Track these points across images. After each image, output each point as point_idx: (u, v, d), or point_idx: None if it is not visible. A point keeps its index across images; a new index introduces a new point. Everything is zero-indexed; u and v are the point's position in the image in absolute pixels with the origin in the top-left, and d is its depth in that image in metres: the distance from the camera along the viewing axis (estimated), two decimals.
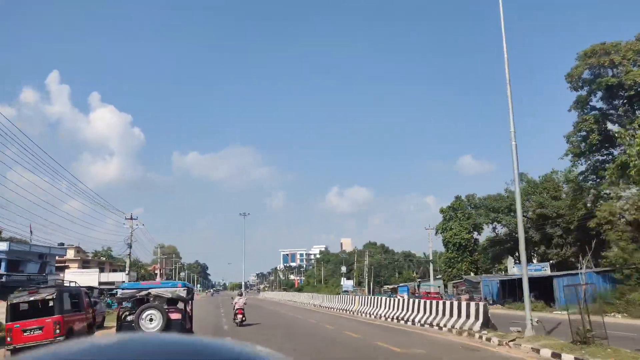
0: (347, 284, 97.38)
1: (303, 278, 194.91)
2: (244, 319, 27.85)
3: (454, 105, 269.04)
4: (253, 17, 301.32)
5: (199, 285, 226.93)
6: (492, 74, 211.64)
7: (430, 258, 69.14)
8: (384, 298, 37.23)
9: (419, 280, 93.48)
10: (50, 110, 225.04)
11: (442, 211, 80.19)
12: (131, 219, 59.20)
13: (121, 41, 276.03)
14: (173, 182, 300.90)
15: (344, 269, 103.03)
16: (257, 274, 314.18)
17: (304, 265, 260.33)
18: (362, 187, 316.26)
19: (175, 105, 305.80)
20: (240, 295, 31.20)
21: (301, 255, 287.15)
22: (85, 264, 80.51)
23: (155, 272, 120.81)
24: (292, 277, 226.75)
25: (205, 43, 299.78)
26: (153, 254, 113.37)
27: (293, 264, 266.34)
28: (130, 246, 56.69)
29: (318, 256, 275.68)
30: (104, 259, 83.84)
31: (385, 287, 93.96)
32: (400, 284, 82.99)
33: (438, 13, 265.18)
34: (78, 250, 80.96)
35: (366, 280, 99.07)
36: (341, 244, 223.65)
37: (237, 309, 28.27)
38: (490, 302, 50.15)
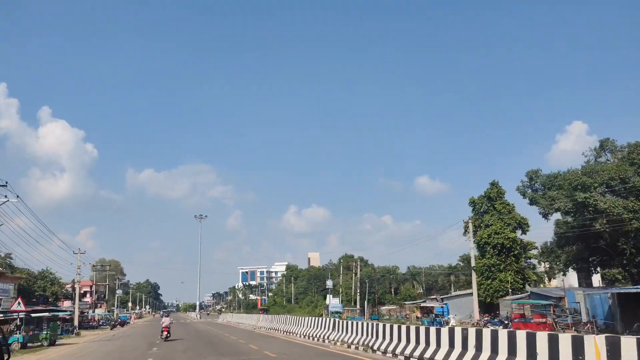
0: (333, 302, 74.15)
1: (267, 297, 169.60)
2: (169, 335, 33.14)
3: (411, 125, 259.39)
4: (211, 27, 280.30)
5: (148, 306, 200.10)
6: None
7: (472, 264, 46.99)
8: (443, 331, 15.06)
9: (431, 297, 70.90)
10: None
11: (473, 202, 58.26)
12: None
13: (74, 54, 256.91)
14: (126, 200, 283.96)
15: (330, 283, 79.20)
16: (214, 294, 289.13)
17: (265, 284, 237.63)
18: (319, 207, 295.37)
19: (130, 120, 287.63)
20: (167, 315, 37.31)
21: (262, 273, 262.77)
22: None
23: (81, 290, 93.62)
24: (252, 296, 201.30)
25: (161, 57, 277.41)
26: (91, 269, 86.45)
27: (253, 282, 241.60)
28: None
29: (283, 272, 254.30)
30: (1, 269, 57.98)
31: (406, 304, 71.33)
32: (419, 302, 60.29)
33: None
34: None
35: (357, 298, 76.22)
36: (309, 259, 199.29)
37: (164, 327, 33.61)
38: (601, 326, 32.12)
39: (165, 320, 34.06)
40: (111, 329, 58.33)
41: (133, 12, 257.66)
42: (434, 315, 41.29)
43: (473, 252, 47.91)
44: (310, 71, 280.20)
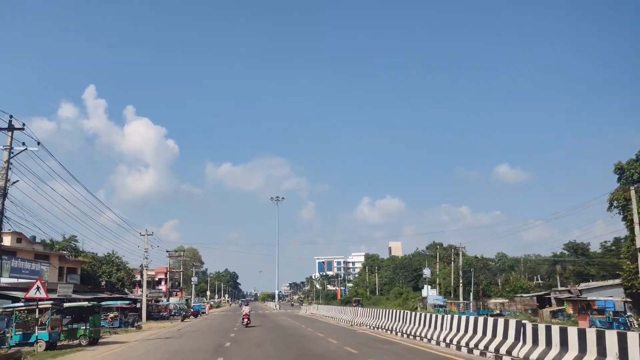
0: (432, 294, 63.10)
1: (347, 287, 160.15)
2: (249, 322, 36.40)
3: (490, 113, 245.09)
4: (286, 26, 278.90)
5: (226, 295, 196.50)
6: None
7: (639, 245, 34.84)
8: None
9: (559, 289, 58.22)
10: (87, 124, 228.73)
11: (620, 168, 45.26)
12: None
13: (156, 55, 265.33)
14: (206, 194, 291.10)
15: (427, 272, 68.06)
16: (290, 284, 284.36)
17: (342, 274, 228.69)
18: (394, 198, 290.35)
19: (208, 116, 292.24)
20: (247, 304, 42.33)
21: (338, 263, 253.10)
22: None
23: (155, 277, 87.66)
24: (330, 287, 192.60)
25: (238, 55, 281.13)
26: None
27: (330, 273, 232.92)
28: None
29: (362, 262, 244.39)
30: (65, 252, 51.61)
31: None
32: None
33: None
34: (19, 237, 48.80)
35: (460, 289, 64.64)
36: (389, 248, 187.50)
37: (244, 314, 37.14)
38: None
39: (245, 309, 37.93)
40: (182, 320, 50.48)
41: (211, 19, 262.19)
42: (610, 314, 29.38)
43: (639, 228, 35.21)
44: (386, 55, 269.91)
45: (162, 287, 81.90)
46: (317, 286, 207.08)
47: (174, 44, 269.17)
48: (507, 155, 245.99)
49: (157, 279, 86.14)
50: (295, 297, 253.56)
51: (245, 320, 35.77)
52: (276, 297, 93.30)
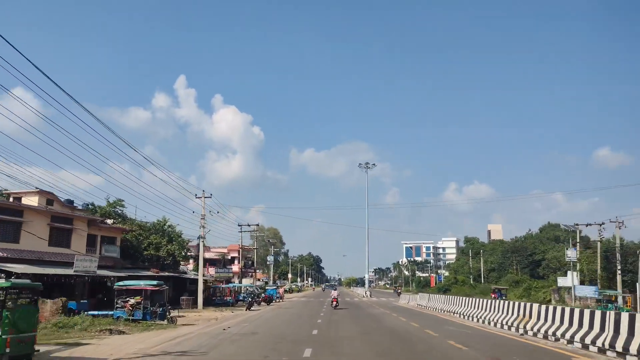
0: (579, 285, 46.03)
1: (442, 274, 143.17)
2: (337, 304, 38.48)
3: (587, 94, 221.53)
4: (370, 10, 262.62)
5: (310, 279, 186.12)
6: None
7: None
8: None
9: None
10: (179, 112, 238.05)
11: None
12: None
13: (241, 44, 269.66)
14: (290, 179, 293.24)
15: (571, 254, 50.43)
16: (375, 269, 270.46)
17: (432, 260, 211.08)
18: (482, 184, 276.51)
19: (292, 103, 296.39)
20: (335, 289, 46.20)
21: (427, 248, 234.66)
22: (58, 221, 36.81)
23: (228, 256, 75.93)
24: (420, 273, 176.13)
25: (319, 41, 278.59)
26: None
27: (418, 258, 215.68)
28: None
29: (453, 247, 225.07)
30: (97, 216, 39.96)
31: None
32: None
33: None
34: (50, 199, 37.84)
35: (618, 278, 47.04)
36: (489, 232, 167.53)
37: (333, 298, 39.99)
38: None
39: (334, 293, 41.84)
40: (247, 309, 37.43)
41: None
42: None
43: None
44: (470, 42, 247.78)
45: (235, 266, 70.07)
46: (406, 272, 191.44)
47: (261, 31, 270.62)
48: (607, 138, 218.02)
49: (229, 257, 74.63)
50: (381, 282, 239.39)
51: (334, 303, 38.59)
52: (366, 282, 78.74)
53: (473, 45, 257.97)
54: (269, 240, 76.49)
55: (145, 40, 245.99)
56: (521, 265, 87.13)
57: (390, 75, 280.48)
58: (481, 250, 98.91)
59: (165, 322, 24.53)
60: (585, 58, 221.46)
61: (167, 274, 39.95)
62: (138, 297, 24.63)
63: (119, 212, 43.75)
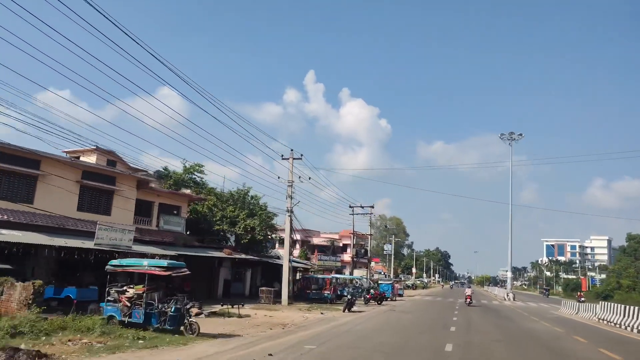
0: None
1: (593, 276, 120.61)
2: (471, 301, 37.82)
3: None
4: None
5: (437, 275, 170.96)
6: None
7: None
8: None
9: None
10: (308, 107, 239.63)
11: None
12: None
13: (367, 39, 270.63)
14: (418, 173, 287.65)
15: None
16: (511, 268, 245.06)
17: (578, 261, 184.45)
18: (634, 179, 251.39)
19: (419, 96, 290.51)
20: (469, 287, 50.34)
21: (572, 247, 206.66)
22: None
23: (339, 243, 65.38)
24: (565, 275, 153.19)
25: (444, 39, 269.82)
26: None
27: (561, 258, 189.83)
28: None
29: (604, 247, 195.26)
30: (168, 183, 31.54)
31: None
32: None
33: None
34: (112, 159, 30.29)
35: None
36: None
37: (467, 295, 38.74)
38: None
39: (468, 290, 40.76)
40: (345, 310, 26.50)
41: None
42: None
43: None
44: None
45: (347, 255, 59.61)
46: (547, 273, 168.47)
47: (389, 25, 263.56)
48: None
49: (340, 244, 64.25)
50: (517, 282, 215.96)
51: (468, 300, 37.77)
52: (509, 281, 63.18)
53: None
54: (386, 226, 64.14)
55: (276, 39, 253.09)
56: None
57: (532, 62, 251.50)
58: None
59: (182, 329, 14.30)
60: None
61: (243, 256, 30.32)
62: (140, 287, 14.65)
63: (198, 179, 35.11)
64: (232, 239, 33.36)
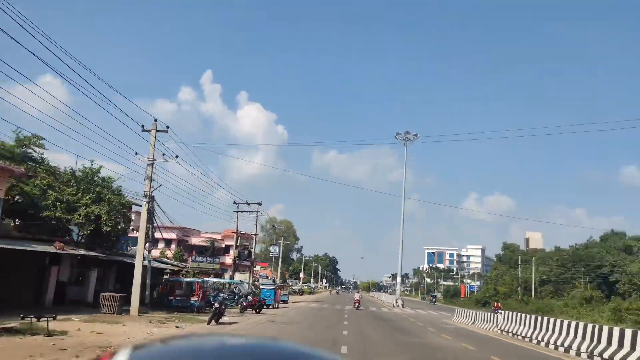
0: None
1: (469, 283, 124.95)
2: (359, 306, 40.15)
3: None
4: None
5: (324, 280, 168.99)
6: None
7: None
8: None
9: None
10: (204, 107, 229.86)
11: None
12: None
13: (267, 44, 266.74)
14: (311, 180, 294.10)
15: None
16: (392, 275, 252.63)
17: (455, 268, 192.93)
18: (503, 195, 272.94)
19: (317, 105, 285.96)
20: (358, 292, 52.85)
21: (451, 255, 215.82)
22: None
23: (221, 243, 59.15)
24: (444, 282, 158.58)
25: (346, 50, 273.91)
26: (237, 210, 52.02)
27: (440, 265, 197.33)
28: None
29: (478, 256, 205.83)
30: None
31: None
32: None
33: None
34: None
35: None
36: (527, 239, 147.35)
37: (355, 300, 41.34)
38: None
39: (356, 295, 43.93)
40: (209, 323, 20.65)
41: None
42: None
43: None
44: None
45: (229, 257, 53.49)
46: (428, 279, 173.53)
47: (291, 31, 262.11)
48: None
49: (223, 245, 57.89)
50: (401, 289, 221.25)
51: (357, 304, 40.05)
52: (398, 287, 60.43)
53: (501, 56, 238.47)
54: (273, 226, 58.60)
55: (172, 34, 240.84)
56: (593, 278, 68.84)
57: (421, 83, 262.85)
58: (533, 259, 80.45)
59: None
60: None
61: (82, 252, 23.34)
62: None
63: (36, 155, 27.32)
64: (77, 230, 26.11)
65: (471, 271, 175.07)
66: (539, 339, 19.56)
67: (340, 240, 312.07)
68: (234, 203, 46.58)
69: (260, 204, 48.30)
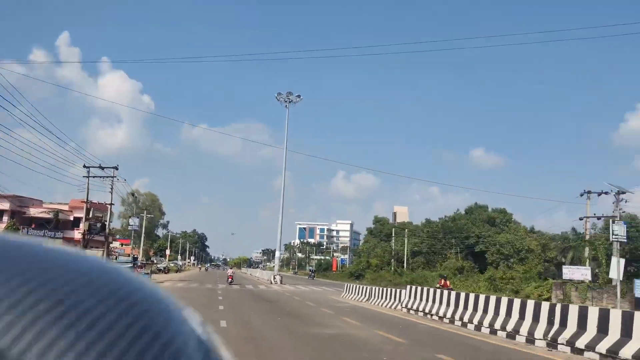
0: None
1: (339, 257, 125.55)
2: (233, 280, 41.02)
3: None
4: None
5: (192, 258, 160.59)
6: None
7: None
8: None
9: None
10: (60, 72, 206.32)
11: None
12: None
13: (133, 4, 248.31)
14: (180, 155, 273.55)
15: (619, 229, 32.63)
16: (263, 250, 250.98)
17: (325, 243, 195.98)
18: (369, 174, 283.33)
19: (187, 76, 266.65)
20: (231, 269, 52.76)
21: (322, 230, 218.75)
22: None
23: (68, 215, 49.92)
24: (315, 256, 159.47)
25: (226, 17, 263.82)
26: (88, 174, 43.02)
27: (311, 240, 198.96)
28: None
29: (347, 230, 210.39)
30: None
31: None
32: None
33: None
34: None
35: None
36: (394, 214, 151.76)
37: (229, 275, 42.63)
38: None
39: (229, 271, 45.43)
40: None
41: None
42: None
43: None
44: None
45: (78, 231, 44.76)
46: (300, 254, 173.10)
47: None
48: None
49: (72, 217, 48.72)
50: (270, 264, 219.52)
51: (230, 279, 41.11)
52: (276, 261, 55.28)
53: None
54: (133, 194, 50.35)
55: None
56: (455, 250, 70.55)
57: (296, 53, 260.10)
58: (405, 231, 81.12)
59: None
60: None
61: None
62: None
63: None
64: None
65: (340, 245, 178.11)
66: (457, 317, 16.06)
67: (210, 217, 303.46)
68: (84, 167, 38.43)
69: (116, 168, 40.50)
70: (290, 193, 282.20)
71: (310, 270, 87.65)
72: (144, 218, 65.59)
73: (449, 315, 16.89)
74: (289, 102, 47.59)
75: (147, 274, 40.14)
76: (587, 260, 35.61)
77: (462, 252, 69.07)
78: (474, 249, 69.45)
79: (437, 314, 17.78)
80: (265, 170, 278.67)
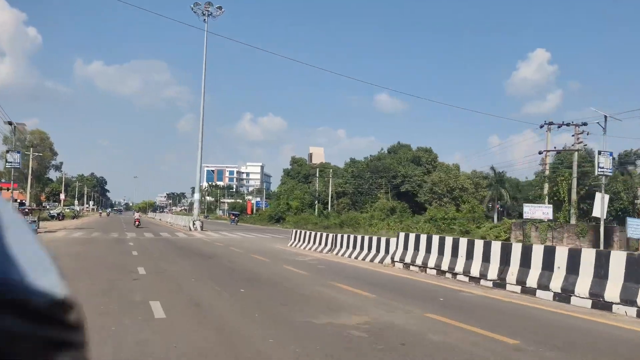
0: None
1: (257, 200, 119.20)
2: (140, 224, 43.16)
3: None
4: None
5: (92, 203, 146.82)
6: None
7: None
8: None
9: None
10: None
11: None
12: None
13: None
14: (74, 94, 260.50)
15: (603, 162, 28.89)
16: (168, 194, 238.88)
17: (235, 186, 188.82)
18: (276, 116, 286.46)
19: (76, 8, 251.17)
20: (137, 212, 56.90)
21: (231, 172, 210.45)
22: None
23: None
24: (226, 199, 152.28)
25: None
26: None
27: (220, 183, 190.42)
28: None
29: (257, 173, 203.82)
30: None
31: None
32: None
33: None
34: None
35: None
36: (310, 154, 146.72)
37: (136, 218, 45.20)
38: None
39: (136, 215, 48.34)
40: None
41: None
42: None
43: None
44: None
45: None
46: (209, 197, 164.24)
47: None
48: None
49: None
50: (177, 208, 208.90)
51: (137, 223, 43.24)
52: (196, 205, 47.00)
53: None
54: (10, 122, 39.55)
55: None
56: (385, 190, 67.06)
57: None
58: (330, 171, 76.18)
59: None
60: None
61: None
62: None
63: None
64: None
65: (250, 188, 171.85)
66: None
67: (110, 160, 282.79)
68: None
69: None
70: (196, 135, 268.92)
71: (231, 213, 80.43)
72: (31, 157, 54.72)
73: (475, 272, 11.56)
74: (208, 14, 39.12)
75: (34, 221, 31.52)
76: (546, 198, 32.59)
77: (390, 192, 65.80)
78: (400, 189, 66.48)
79: (451, 269, 12.45)
80: (170, 112, 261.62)
